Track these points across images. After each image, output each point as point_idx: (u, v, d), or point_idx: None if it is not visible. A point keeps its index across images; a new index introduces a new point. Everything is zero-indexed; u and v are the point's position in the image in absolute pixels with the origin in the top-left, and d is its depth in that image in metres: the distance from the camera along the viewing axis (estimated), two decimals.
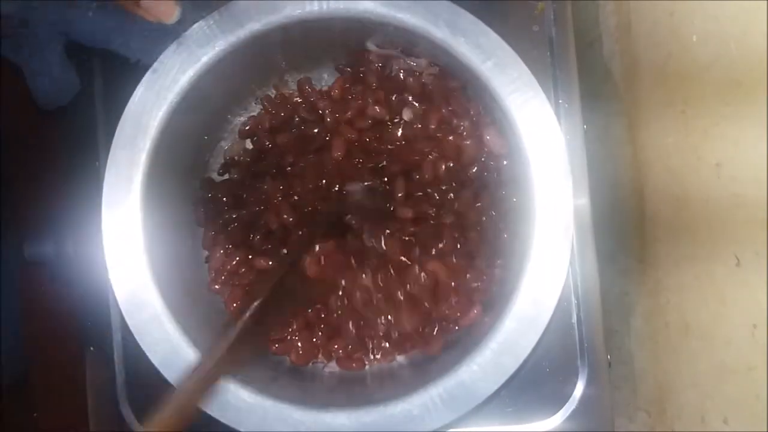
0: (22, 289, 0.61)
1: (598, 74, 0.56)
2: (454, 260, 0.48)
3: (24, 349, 0.63)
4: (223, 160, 0.52)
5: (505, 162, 0.48)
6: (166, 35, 0.43)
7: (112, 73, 0.51)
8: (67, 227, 0.52)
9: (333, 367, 0.50)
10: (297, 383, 0.48)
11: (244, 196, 0.50)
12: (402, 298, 0.48)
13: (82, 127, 0.52)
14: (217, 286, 0.50)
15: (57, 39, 0.42)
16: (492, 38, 0.44)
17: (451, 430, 0.44)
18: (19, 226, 0.64)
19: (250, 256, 0.49)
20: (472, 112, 0.48)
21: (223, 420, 0.43)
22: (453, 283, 0.48)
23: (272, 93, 0.52)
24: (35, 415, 0.69)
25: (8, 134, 0.66)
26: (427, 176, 0.49)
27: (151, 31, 0.43)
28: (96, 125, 0.52)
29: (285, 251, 0.48)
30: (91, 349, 0.52)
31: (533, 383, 0.49)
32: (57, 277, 0.54)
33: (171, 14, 0.42)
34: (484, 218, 0.49)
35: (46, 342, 0.67)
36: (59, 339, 0.65)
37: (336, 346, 0.49)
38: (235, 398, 0.43)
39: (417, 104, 0.49)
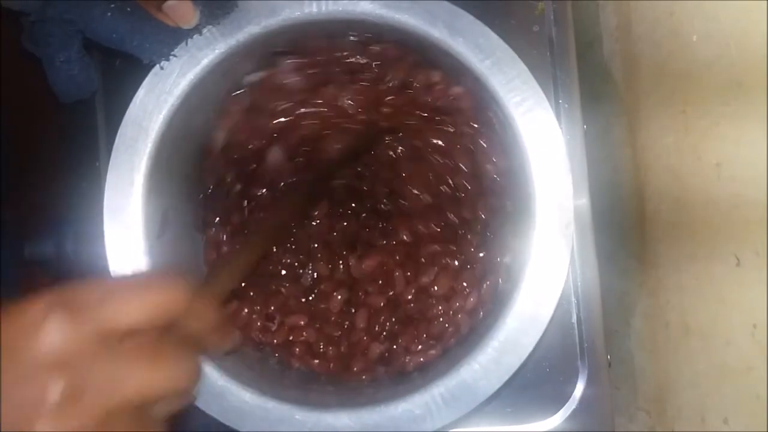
0: (22, 289, 0.61)
1: (598, 74, 0.56)
2: (454, 263, 0.48)
3: None
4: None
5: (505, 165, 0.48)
6: (179, 38, 0.43)
7: (111, 74, 0.51)
8: (67, 227, 0.52)
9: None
10: (300, 384, 0.48)
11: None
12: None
13: (82, 127, 0.52)
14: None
15: (75, 36, 0.42)
16: (491, 38, 0.44)
17: (451, 430, 0.44)
18: (19, 226, 0.64)
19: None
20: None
21: (224, 421, 0.43)
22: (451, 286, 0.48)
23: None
24: None
25: (9, 135, 0.66)
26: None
27: (166, 33, 0.43)
28: (96, 126, 0.52)
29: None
30: None
31: (533, 383, 0.49)
32: (57, 277, 0.54)
33: (190, 19, 0.43)
34: (482, 218, 0.49)
35: None
36: None
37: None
38: (236, 399, 0.43)
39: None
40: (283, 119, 0.49)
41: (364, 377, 0.48)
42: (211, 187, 0.50)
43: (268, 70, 0.48)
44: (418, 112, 0.49)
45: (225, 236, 0.49)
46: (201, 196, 0.50)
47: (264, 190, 0.49)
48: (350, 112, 0.49)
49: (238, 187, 0.49)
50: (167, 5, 0.42)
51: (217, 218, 0.50)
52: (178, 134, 0.46)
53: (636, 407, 0.54)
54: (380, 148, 0.50)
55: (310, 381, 0.48)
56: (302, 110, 0.49)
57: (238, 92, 0.49)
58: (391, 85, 0.49)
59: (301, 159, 0.50)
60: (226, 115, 0.49)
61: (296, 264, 0.49)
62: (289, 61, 0.48)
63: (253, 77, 0.48)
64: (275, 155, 0.49)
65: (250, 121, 0.49)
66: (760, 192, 0.37)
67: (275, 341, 0.48)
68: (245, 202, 0.50)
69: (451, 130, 0.49)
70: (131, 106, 0.44)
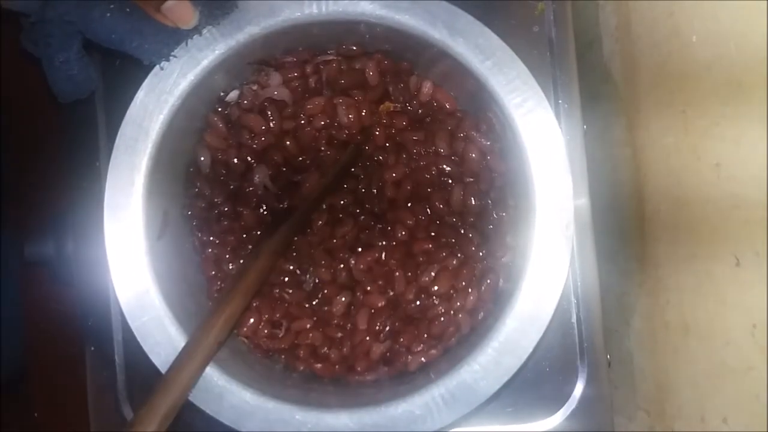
0: (23, 289, 0.61)
1: (598, 74, 0.56)
2: (454, 262, 0.48)
3: (24, 349, 0.63)
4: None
5: (505, 165, 0.48)
6: (179, 39, 0.43)
7: (111, 74, 0.51)
8: (67, 227, 0.52)
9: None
10: (301, 384, 0.48)
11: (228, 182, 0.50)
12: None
13: (82, 127, 0.52)
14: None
15: (75, 37, 0.42)
16: (491, 39, 0.44)
17: (451, 430, 0.44)
18: (19, 226, 0.64)
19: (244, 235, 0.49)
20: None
21: (225, 421, 0.43)
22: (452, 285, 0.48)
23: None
24: (35, 415, 0.69)
25: (9, 134, 0.66)
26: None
27: (165, 34, 0.43)
28: (96, 126, 0.52)
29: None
30: (92, 349, 0.52)
31: (533, 383, 0.49)
32: (57, 277, 0.54)
33: (189, 19, 0.43)
34: (482, 218, 0.49)
35: (46, 342, 0.67)
36: (59, 339, 0.65)
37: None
38: (237, 399, 0.43)
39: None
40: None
41: (367, 378, 0.48)
42: (203, 208, 0.50)
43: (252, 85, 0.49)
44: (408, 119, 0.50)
45: (227, 254, 0.49)
46: (193, 221, 0.50)
47: (255, 210, 0.50)
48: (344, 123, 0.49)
49: (227, 208, 0.50)
50: (166, 6, 0.42)
51: (211, 237, 0.49)
52: (178, 134, 0.46)
53: (635, 407, 0.54)
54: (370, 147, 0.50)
55: (311, 381, 0.48)
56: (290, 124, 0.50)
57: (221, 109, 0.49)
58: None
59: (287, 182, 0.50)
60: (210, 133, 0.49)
61: (298, 271, 0.49)
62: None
63: (233, 95, 0.49)
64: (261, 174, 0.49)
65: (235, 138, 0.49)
66: (760, 192, 0.37)
67: (282, 346, 0.48)
68: (239, 223, 0.50)
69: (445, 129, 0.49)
70: (131, 106, 0.44)
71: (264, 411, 0.43)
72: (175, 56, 0.44)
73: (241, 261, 0.48)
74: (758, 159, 0.37)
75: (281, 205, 0.49)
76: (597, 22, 0.56)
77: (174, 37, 0.43)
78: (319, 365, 0.48)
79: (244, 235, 0.49)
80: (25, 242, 0.54)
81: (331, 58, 0.49)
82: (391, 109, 0.50)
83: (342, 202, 0.49)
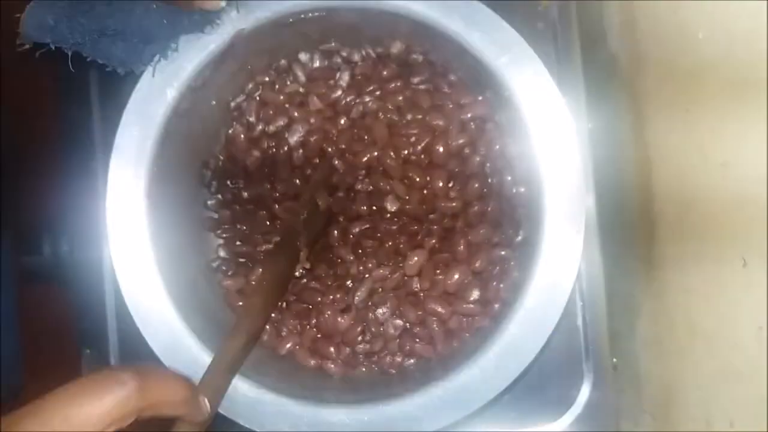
0: (18, 291, 0.61)
1: (603, 72, 0.56)
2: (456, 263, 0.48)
3: (20, 351, 0.63)
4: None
5: (516, 162, 0.48)
6: (204, 24, 0.43)
7: (110, 72, 0.50)
8: (63, 228, 0.52)
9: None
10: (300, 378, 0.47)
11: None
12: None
13: (77, 127, 0.52)
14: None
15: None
16: (509, 34, 0.43)
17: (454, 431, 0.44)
18: (15, 226, 0.64)
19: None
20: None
21: (222, 411, 0.42)
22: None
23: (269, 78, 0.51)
24: None
25: (5, 135, 0.65)
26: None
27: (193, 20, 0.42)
28: (92, 124, 0.52)
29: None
30: (88, 350, 0.52)
31: (538, 386, 0.49)
32: (53, 278, 0.54)
33: (216, 2, 0.42)
34: (490, 217, 0.48)
35: (42, 343, 0.67)
36: (55, 340, 0.65)
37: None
38: (232, 390, 0.42)
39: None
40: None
41: (366, 374, 0.48)
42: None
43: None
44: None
45: (238, 259, 0.49)
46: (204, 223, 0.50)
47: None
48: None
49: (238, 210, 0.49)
50: None
51: (222, 241, 0.49)
52: (179, 133, 0.46)
53: (641, 410, 0.53)
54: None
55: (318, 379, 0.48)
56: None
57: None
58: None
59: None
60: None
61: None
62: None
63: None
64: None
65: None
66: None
67: (287, 346, 0.48)
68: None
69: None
70: (130, 104, 0.43)
71: (260, 404, 0.42)
72: (176, 50, 0.43)
73: (253, 265, 0.48)
74: (765, 159, 0.37)
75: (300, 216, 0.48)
76: (602, 19, 0.56)
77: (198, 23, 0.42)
78: (319, 361, 0.48)
79: (258, 236, 0.49)
80: (21, 243, 0.54)
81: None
82: None
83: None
